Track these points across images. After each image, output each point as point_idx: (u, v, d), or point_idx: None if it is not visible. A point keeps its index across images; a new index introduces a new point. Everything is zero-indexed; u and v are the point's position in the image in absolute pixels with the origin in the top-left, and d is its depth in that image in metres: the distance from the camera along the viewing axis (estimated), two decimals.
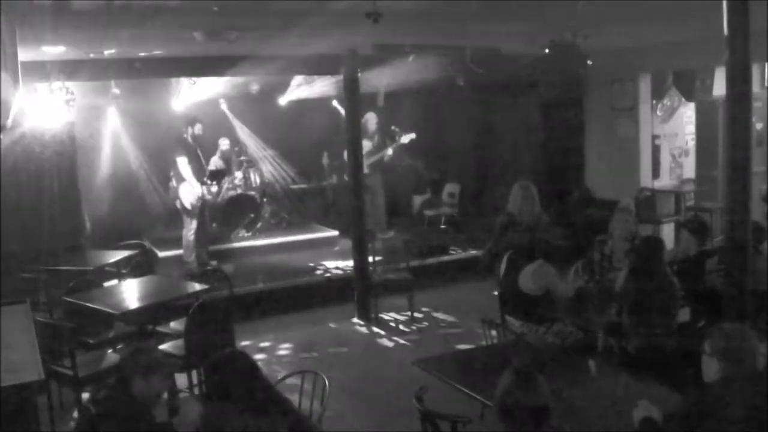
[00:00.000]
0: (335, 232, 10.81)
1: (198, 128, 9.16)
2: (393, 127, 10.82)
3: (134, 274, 7.28)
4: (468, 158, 12.00)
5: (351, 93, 8.26)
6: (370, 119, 10.49)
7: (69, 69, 7.53)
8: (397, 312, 8.22)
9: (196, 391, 5.58)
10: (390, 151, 10.64)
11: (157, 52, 7.74)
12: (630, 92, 9.85)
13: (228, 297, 6.54)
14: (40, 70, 7.37)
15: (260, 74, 9.91)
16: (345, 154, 11.14)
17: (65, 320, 5.80)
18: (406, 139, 10.69)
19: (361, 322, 8.09)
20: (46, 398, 4.93)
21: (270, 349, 7.27)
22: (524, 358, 4.37)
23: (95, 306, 5.69)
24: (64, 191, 8.49)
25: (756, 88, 7.13)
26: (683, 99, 9.80)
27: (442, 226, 11.25)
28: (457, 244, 10.18)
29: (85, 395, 5.28)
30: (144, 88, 10.15)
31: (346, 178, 11.22)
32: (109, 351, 5.80)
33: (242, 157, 11.02)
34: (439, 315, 8.16)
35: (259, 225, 10.73)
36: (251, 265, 9.55)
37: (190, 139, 9.10)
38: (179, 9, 4.93)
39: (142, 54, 7.73)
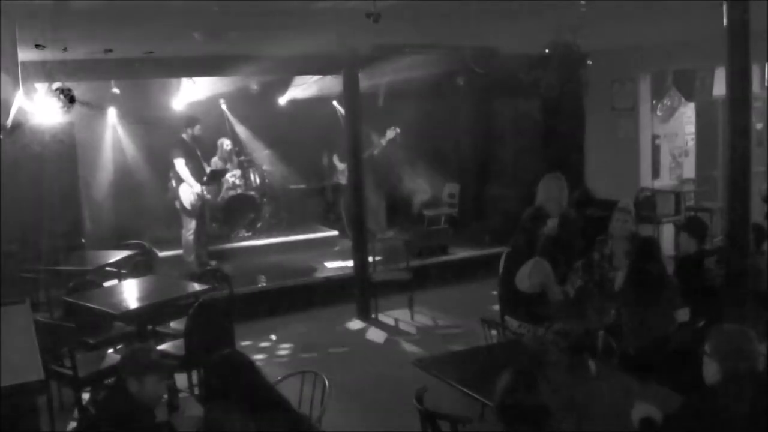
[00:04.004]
0: (335, 232, 10.81)
1: (197, 129, 9.16)
2: (393, 127, 10.82)
3: (134, 274, 7.27)
4: (468, 158, 11.99)
5: (351, 93, 8.26)
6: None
7: (69, 69, 7.52)
8: (397, 312, 8.22)
9: (196, 391, 5.58)
10: (375, 151, 10.66)
11: (157, 52, 7.74)
12: (630, 92, 9.85)
13: (228, 297, 6.53)
14: (40, 70, 7.37)
15: (260, 74, 9.92)
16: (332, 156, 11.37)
17: (65, 320, 5.80)
18: (390, 134, 10.71)
19: (361, 322, 8.09)
20: (46, 398, 4.92)
21: (270, 349, 7.28)
22: (523, 359, 4.39)
23: (95, 306, 5.69)
24: (64, 191, 8.49)
25: (756, 88, 7.12)
26: (683, 99, 9.80)
27: (442, 226, 11.24)
28: (457, 244, 10.18)
29: (85, 395, 5.30)
30: (144, 88, 10.15)
31: (335, 179, 11.34)
32: (109, 351, 5.80)
33: (242, 157, 11.02)
34: (439, 315, 8.16)
35: (259, 225, 10.73)
36: (251, 265, 9.55)
37: (188, 140, 9.10)
38: (179, 9, 4.93)
39: (142, 54, 7.73)
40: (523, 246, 5.49)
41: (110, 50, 6.94)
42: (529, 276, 5.30)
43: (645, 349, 4.64)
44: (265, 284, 8.76)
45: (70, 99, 7.65)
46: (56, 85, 7.56)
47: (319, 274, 9.14)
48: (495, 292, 5.96)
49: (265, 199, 10.98)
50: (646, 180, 9.87)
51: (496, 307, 5.84)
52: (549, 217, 5.87)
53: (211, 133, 10.33)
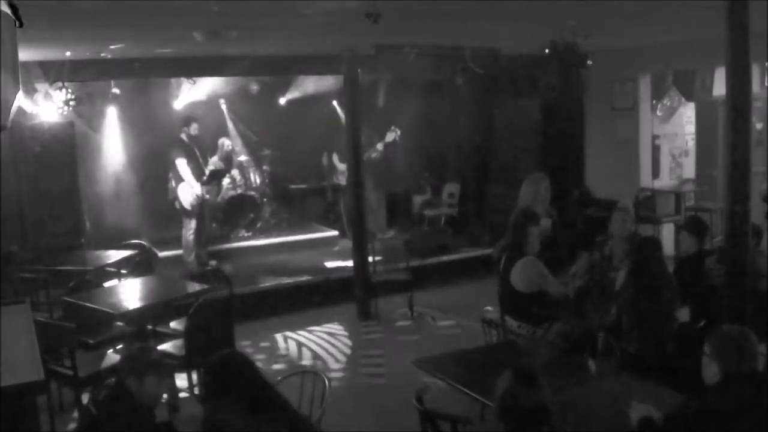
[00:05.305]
0: (335, 232, 10.81)
1: (194, 128, 9.16)
2: (393, 128, 10.83)
3: (134, 274, 7.28)
4: (468, 158, 12.00)
5: (351, 93, 8.26)
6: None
7: (69, 69, 7.53)
8: (397, 312, 8.22)
9: (196, 391, 5.58)
10: (374, 154, 10.66)
11: (157, 52, 7.74)
12: (630, 92, 9.84)
13: (228, 297, 6.54)
14: (40, 70, 7.38)
15: (260, 74, 9.92)
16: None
17: (65, 320, 5.80)
18: (390, 137, 10.72)
19: (361, 322, 8.08)
20: (46, 398, 4.92)
21: (270, 349, 7.28)
22: (523, 359, 4.39)
23: (95, 306, 5.69)
24: (64, 191, 8.49)
25: (756, 88, 7.11)
26: (683, 99, 9.79)
27: (442, 226, 11.25)
28: (457, 244, 10.18)
29: (85, 395, 5.30)
30: (144, 88, 10.15)
31: (335, 179, 11.36)
32: (109, 351, 5.80)
33: (242, 157, 11.03)
34: (439, 315, 8.16)
35: (259, 225, 10.74)
36: (251, 265, 9.55)
37: (186, 139, 9.11)
38: (179, 9, 4.93)
39: (142, 54, 7.73)
40: (519, 246, 5.48)
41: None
42: (521, 275, 5.30)
43: (645, 349, 4.64)
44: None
45: (70, 100, 7.67)
46: (57, 85, 7.58)
47: (319, 274, 9.14)
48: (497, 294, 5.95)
49: (265, 199, 10.98)
50: (646, 180, 9.87)
51: (496, 306, 5.83)
52: (539, 217, 5.88)
53: (211, 133, 10.34)
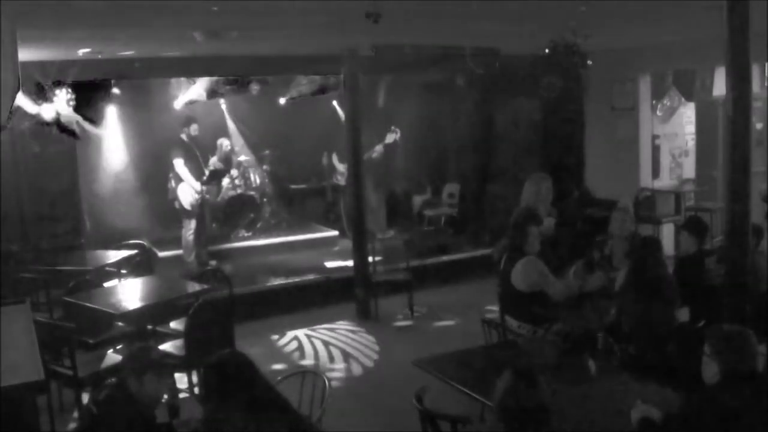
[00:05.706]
0: (335, 232, 10.82)
1: (194, 128, 9.17)
2: (393, 129, 10.83)
3: (134, 274, 7.27)
4: (468, 158, 12.00)
5: (351, 93, 8.25)
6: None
7: (69, 69, 7.53)
8: (397, 312, 8.22)
9: (196, 391, 5.58)
10: (374, 154, 10.66)
11: (157, 52, 7.75)
12: (630, 92, 9.84)
13: (228, 297, 6.54)
14: (40, 70, 7.37)
15: (260, 74, 9.93)
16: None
17: (65, 320, 5.80)
18: (390, 137, 10.72)
19: (361, 322, 8.08)
20: (46, 398, 4.93)
21: (270, 349, 7.28)
22: (523, 359, 4.39)
23: (95, 306, 5.70)
24: (64, 191, 8.49)
25: (756, 88, 7.12)
26: (683, 99, 9.80)
27: (442, 226, 11.25)
28: (457, 244, 10.18)
29: (85, 395, 5.30)
30: (144, 88, 10.15)
31: (335, 180, 11.37)
32: (109, 351, 5.80)
33: (242, 157, 11.03)
34: (439, 315, 8.16)
35: (259, 225, 10.74)
36: (251, 265, 9.55)
37: (186, 140, 9.12)
38: (179, 9, 4.93)
39: (142, 54, 7.73)
40: (519, 246, 5.48)
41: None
42: (522, 275, 5.30)
43: (645, 349, 4.64)
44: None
45: (70, 100, 7.67)
46: (57, 84, 7.57)
47: (319, 274, 9.14)
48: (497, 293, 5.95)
49: (265, 199, 10.99)
50: (646, 180, 9.87)
51: (496, 306, 5.83)
52: (542, 217, 5.87)
53: (211, 133, 10.34)
